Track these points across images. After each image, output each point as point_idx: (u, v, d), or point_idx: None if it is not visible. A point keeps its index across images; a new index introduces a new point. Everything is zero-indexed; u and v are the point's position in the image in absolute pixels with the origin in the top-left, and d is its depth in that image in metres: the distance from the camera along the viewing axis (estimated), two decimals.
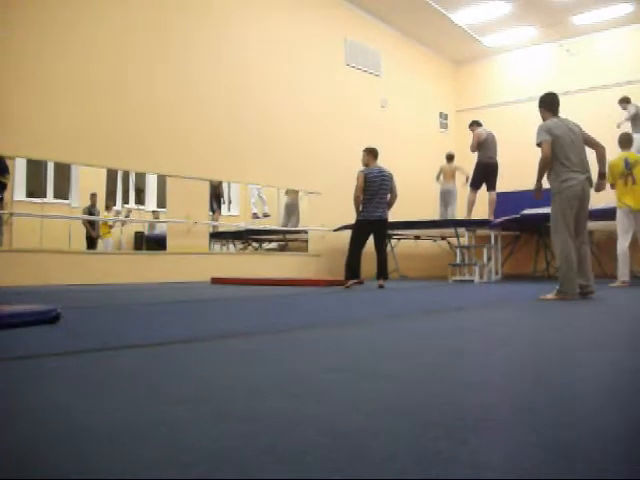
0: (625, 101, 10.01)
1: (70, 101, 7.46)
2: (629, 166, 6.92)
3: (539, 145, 5.02)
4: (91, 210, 8.63)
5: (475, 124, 9.68)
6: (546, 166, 4.99)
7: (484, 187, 9.58)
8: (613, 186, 7.04)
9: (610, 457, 0.94)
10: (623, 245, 6.98)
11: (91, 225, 8.57)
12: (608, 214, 7.44)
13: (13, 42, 7.02)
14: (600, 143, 5.25)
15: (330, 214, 10.17)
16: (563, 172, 4.91)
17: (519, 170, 11.04)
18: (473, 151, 9.52)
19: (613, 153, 9.50)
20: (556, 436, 1.03)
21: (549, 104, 5.29)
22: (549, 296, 4.90)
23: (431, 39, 13.02)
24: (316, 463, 0.90)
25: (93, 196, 8.63)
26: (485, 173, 9.39)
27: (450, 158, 11.17)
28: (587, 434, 1.06)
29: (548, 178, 5.05)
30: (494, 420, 1.17)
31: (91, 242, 8.56)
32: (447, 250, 10.93)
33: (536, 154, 10.85)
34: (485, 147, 9.34)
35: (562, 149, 4.95)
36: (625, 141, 7.23)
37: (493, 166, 9.36)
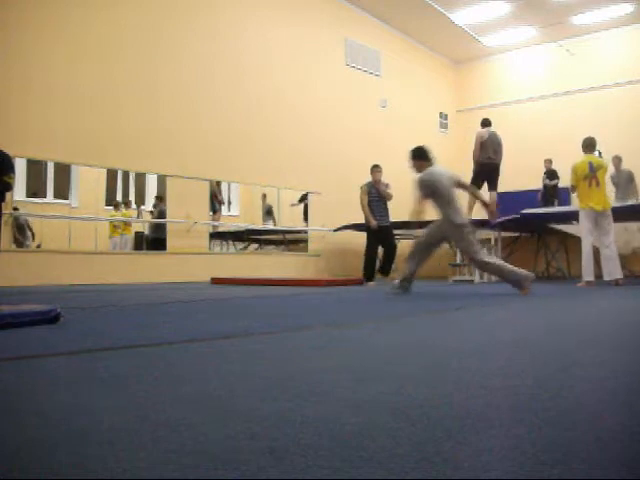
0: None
1: (70, 101, 7.46)
2: (593, 169, 6.99)
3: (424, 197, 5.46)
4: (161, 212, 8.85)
5: (481, 124, 9.65)
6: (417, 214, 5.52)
7: (485, 188, 9.56)
8: (574, 189, 7.18)
9: (610, 457, 0.94)
10: (587, 246, 7.05)
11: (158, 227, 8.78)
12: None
13: (14, 43, 7.02)
14: (467, 183, 5.90)
15: (330, 214, 10.17)
16: (459, 211, 5.43)
17: (519, 170, 11.08)
18: (476, 155, 9.43)
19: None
20: (556, 436, 1.03)
21: (425, 155, 5.61)
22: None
23: (431, 39, 13.03)
24: (316, 464, 0.90)
25: (158, 199, 8.82)
26: (484, 173, 9.37)
27: None
28: (587, 434, 1.06)
29: (448, 215, 5.41)
30: (494, 420, 1.17)
31: (158, 243, 8.69)
32: (447, 250, 10.92)
33: (536, 154, 10.85)
34: (485, 147, 9.32)
35: (448, 191, 5.40)
36: (588, 145, 7.29)
37: (492, 166, 9.32)
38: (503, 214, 9.60)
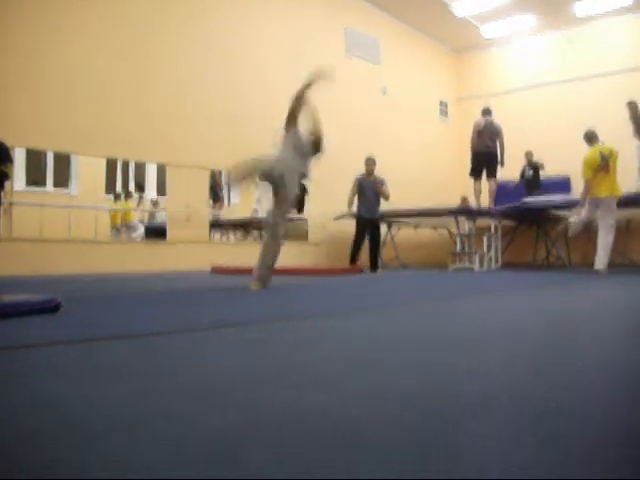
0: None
1: (69, 91, 7.43)
2: (605, 158, 7.01)
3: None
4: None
5: (481, 113, 9.63)
6: None
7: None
8: (589, 184, 7.11)
9: (611, 449, 0.94)
10: (580, 220, 7.28)
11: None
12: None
13: (12, 33, 6.97)
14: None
15: (330, 202, 10.14)
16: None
17: (520, 159, 11.03)
18: (473, 144, 9.46)
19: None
20: (557, 427, 1.04)
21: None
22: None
23: (431, 28, 12.94)
24: (317, 452, 0.90)
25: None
26: (482, 162, 9.40)
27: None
28: (587, 425, 1.06)
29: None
30: (494, 410, 1.17)
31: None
32: (447, 238, 10.93)
33: (537, 143, 10.80)
34: (482, 136, 9.36)
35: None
36: (591, 137, 7.30)
37: (489, 155, 9.35)
38: (500, 203, 9.63)
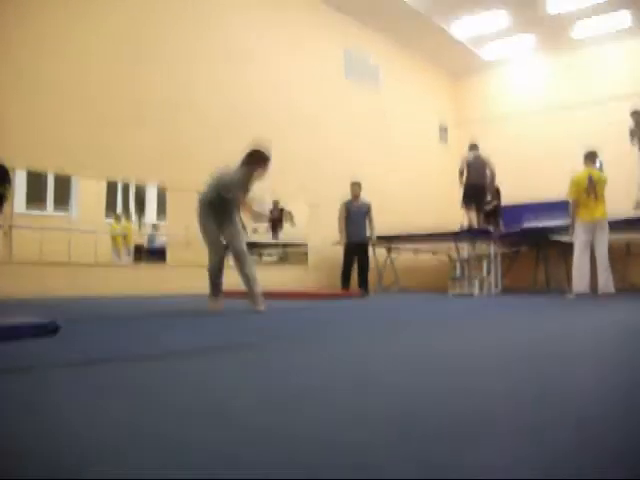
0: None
1: (69, 113, 7.49)
2: (593, 183, 6.99)
3: None
4: None
5: (468, 148, 9.71)
6: None
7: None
8: (575, 202, 7.08)
9: (610, 459, 0.94)
10: (581, 260, 7.03)
11: None
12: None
13: (11, 53, 7.05)
14: None
15: (330, 226, 10.16)
16: None
17: (519, 183, 11.10)
18: (460, 173, 9.52)
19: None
20: (556, 444, 1.03)
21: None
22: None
23: (430, 52, 13.10)
24: (316, 474, 0.89)
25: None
26: (471, 193, 9.45)
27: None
28: (589, 441, 1.06)
29: None
30: (495, 429, 1.16)
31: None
32: (447, 263, 10.93)
33: (536, 167, 10.83)
34: (469, 170, 9.43)
35: None
36: (588, 156, 7.27)
37: (478, 188, 9.38)
38: (504, 227, 9.65)
